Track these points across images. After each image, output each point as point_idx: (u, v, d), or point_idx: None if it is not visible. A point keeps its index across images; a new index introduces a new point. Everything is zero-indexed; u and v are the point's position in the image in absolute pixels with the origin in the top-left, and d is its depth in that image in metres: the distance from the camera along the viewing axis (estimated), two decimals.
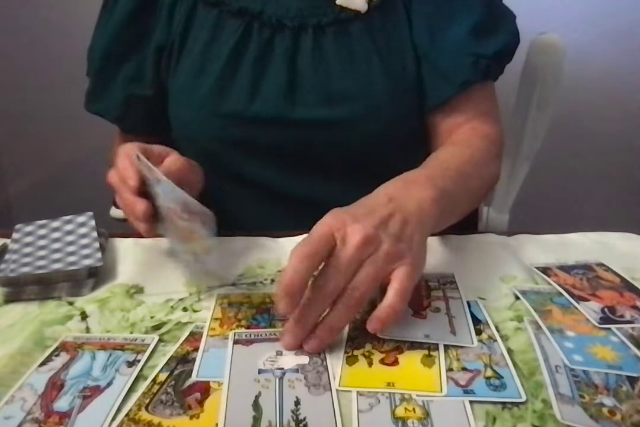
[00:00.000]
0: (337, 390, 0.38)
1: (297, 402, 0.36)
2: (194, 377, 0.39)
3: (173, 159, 0.55)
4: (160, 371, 0.40)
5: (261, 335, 0.44)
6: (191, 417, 0.36)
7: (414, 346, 0.42)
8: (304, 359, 0.41)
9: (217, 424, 0.35)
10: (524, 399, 0.36)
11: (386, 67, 0.67)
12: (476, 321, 0.45)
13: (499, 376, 0.38)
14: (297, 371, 0.40)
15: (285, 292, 0.39)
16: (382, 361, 0.40)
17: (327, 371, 0.40)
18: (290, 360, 0.41)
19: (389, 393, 0.37)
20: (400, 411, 0.36)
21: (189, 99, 0.68)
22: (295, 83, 0.66)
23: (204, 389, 0.38)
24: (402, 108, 0.69)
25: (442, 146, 0.67)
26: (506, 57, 0.71)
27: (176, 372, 0.40)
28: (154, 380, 0.39)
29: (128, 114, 0.73)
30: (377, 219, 0.44)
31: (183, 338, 0.44)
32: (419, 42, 0.68)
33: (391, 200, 0.47)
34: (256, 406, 0.36)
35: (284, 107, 0.66)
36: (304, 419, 0.35)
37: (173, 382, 0.39)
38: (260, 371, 0.40)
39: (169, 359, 0.41)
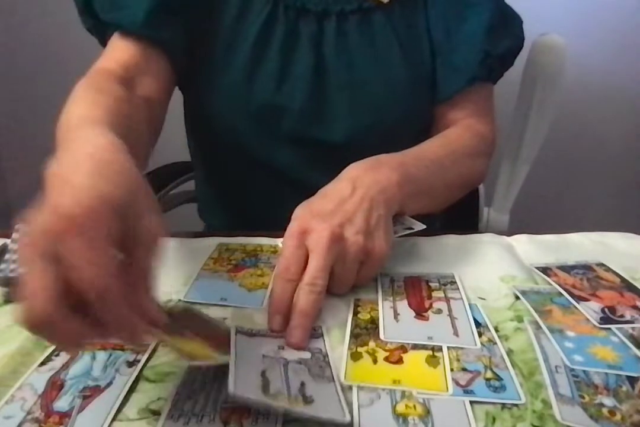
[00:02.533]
0: (341, 383, 0.38)
1: (303, 384, 0.37)
2: (181, 298, 0.47)
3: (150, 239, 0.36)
4: None
5: (262, 331, 0.44)
6: None
7: (417, 345, 0.42)
8: (306, 355, 0.41)
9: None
10: (523, 401, 0.36)
11: (406, 57, 0.68)
12: (476, 323, 0.45)
13: (498, 378, 0.38)
14: (299, 362, 0.40)
15: (275, 311, 0.45)
16: (386, 359, 0.41)
17: (330, 367, 0.40)
18: (292, 354, 0.41)
19: (390, 389, 0.37)
20: (401, 408, 0.36)
21: (218, 78, 0.68)
22: (322, 67, 0.67)
23: None
24: (420, 98, 0.71)
25: (430, 138, 0.69)
26: (510, 60, 0.73)
27: None
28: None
29: (157, 21, 0.62)
30: (342, 216, 0.48)
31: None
32: (435, 36, 0.70)
33: (355, 188, 0.50)
34: (264, 377, 0.36)
35: (311, 93, 0.67)
36: (311, 396, 0.35)
37: None
38: (264, 356, 0.40)
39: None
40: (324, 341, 0.43)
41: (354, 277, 0.48)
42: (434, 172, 0.60)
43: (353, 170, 0.53)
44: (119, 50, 0.63)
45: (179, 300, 0.50)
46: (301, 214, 0.49)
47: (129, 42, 0.63)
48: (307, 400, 0.35)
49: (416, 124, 0.74)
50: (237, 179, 0.77)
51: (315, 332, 0.44)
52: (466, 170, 0.68)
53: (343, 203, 0.49)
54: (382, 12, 0.68)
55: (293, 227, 0.48)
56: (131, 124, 0.51)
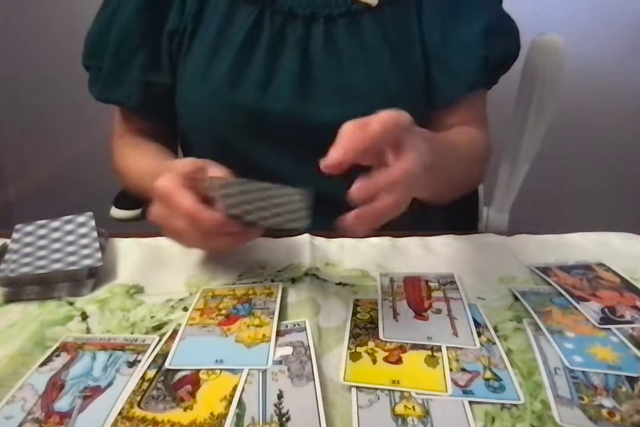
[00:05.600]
0: (320, 380, 0.38)
1: (280, 396, 0.37)
2: (166, 365, 0.40)
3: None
4: (148, 368, 0.40)
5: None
6: (185, 409, 0.36)
7: (417, 346, 0.42)
8: (288, 350, 0.42)
9: (211, 413, 0.35)
10: (522, 401, 0.36)
11: (397, 60, 0.67)
12: (475, 323, 0.45)
13: (497, 378, 0.38)
14: (280, 362, 0.40)
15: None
16: (385, 359, 0.41)
17: (311, 361, 0.40)
18: (275, 351, 0.41)
19: (389, 390, 0.37)
20: (400, 409, 0.36)
21: (202, 86, 0.67)
22: (308, 72, 0.66)
23: (194, 381, 0.38)
24: (412, 101, 0.70)
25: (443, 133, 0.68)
26: (508, 65, 0.72)
27: (164, 368, 0.40)
28: (142, 377, 0.39)
29: (148, 102, 0.71)
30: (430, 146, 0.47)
31: (167, 335, 0.44)
32: (430, 40, 0.69)
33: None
34: (239, 403, 0.36)
35: (298, 97, 0.66)
36: (287, 412, 0.35)
37: (162, 378, 0.39)
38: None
39: (155, 356, 0.41)
40: (307, 334, 0.44)
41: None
42: (451, 156, 0.59)
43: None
44: (126, 124, 0.76)
45: (179, 299, 0.50)
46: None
47: (131, 113, 0.74)
48: (282, 420, 0.35)
49: None
50: None
51: (298, 327, 0.45)
52: (474, 167, 0.70)
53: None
54: (371, 15, 0.67)
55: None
56: (164, 150, 0.71)
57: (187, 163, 0.50)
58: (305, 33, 0.66)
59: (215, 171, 0.50)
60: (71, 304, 0.50)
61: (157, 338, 0.44)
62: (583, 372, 0.39)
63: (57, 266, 0.51)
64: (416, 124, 0.49)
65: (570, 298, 0.48)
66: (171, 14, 0.68)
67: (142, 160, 0.70)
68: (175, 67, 0.70)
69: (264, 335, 0.44)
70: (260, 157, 0.71)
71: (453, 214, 0.80)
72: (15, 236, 0.58)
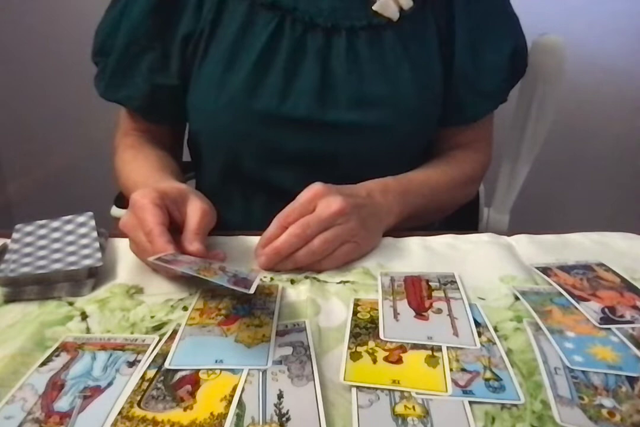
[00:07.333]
0: (320, 380, 0.38)
1: (280, 396, 0.37)
2: (166, 365, 0.40)
3: (196, 210, 0.53)
4: (148, 368, 0.40)
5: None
6: (185, 409, 0.36)
7: (417, 345, 0.42)
8: (288, 350, 0.41)
9: (211, 413, 0.35)
10: (522, 401, 0.36)
11: (416, 74, 0.67)
12: (475, 323, 0.45)
13: (498, 378, 0.38)
14: (280, 362, 0.40)
15: (264, 245, 0.53)
16: (386, 359, 0.41)
17: (311, 361, 0.40)
18: (275, 351, 0.41)
19: (389, 390, 0.37)
20: (400, 409, 0.36)
21: (219, 92, 0.66)
22: (328, 83, 0.66)
23: (194, 381, 0.38)
24: (428, 116, 0.71)
25: (434, 161, 0.74)
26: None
27: (163, 368, 0.40)
28: (142, 377, 0.39)
29: (153, 104, 0.72)
30: (355, 201, 0.55)
31: (168, 335, 0.44)
32: (460, 59, 0.69)
33: (369, 196, 0.59)
34: (239, 403, 0.36)
35: (316, 108, 0.66)
36: (287, 412, 0.35)
37: (162, 378, 0.39)
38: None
39: (155, 356, 0.41)
40: (307, 334, 0.44)
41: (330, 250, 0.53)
42: (431, 199, 0.68)
43: (370, 184, 0.61)
44: (132, 122, 0.77)
45: (179, 299, 0.50)
46: (322, 184, 0.56)
47: (135, 113, 0.75)
48: (282, 420, 0.35)
49: (422, 142, 0.74)
50: (235, 198, 0.76)
51: (298, 327, 0.45)
52: (460, 195, 0.76)
53: (357, 195, 0.57)
54: (392, 30, 0.66)
55: (314, 186, 0.55)
56: (166, 161, 0.72)
57: (172, 186, 0.55)
58: (326, 43, 0.66)
59: (196, 202, 0.53)
60: (71, 304, 0.50)
61: (157, 338, 0.44)
62: (583, 372, 0.39)
63: (57, 266, 0.51)
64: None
65: (570, 298, 0.48)
66: (185, 17, 0.67)
67: (139, 169, 0.70)
68: (186, 71, 0.69)
69: (263, 335, 0.44)
70: (271, 171, 0.71)
71: (453, 214, 0.80)
72: (15, 235, 0.58)
